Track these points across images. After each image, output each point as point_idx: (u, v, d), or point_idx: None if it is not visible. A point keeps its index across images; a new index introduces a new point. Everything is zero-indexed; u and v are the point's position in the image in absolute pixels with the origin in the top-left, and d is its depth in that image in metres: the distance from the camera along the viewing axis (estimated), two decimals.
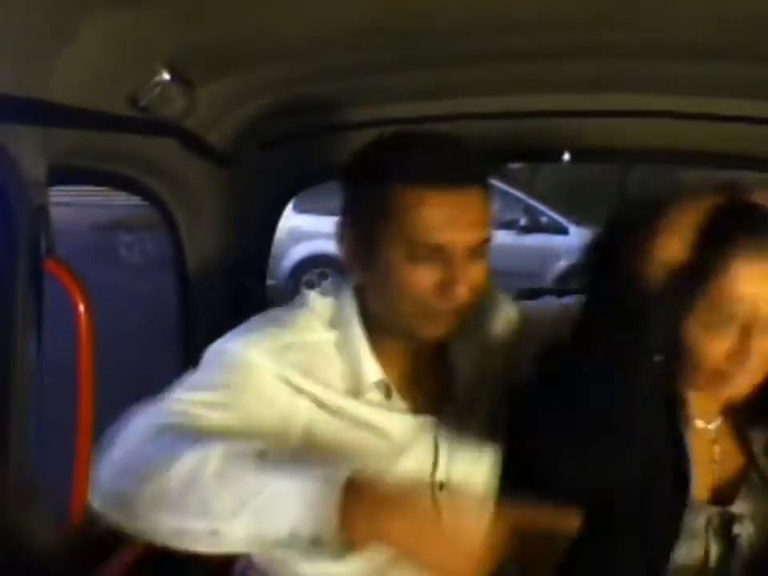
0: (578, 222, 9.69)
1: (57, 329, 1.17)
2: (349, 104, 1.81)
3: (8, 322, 1.05)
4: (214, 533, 0.96)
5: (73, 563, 1.19)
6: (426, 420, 1.29)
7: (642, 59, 1.54)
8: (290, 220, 7.77)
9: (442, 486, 1.28)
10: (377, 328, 1.27)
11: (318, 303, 1.29)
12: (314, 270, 8.62)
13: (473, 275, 1.19)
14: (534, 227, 9.18)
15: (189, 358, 2.05)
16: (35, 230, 1.06)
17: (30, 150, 1.05)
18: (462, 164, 1.19)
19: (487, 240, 1.21)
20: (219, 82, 1.47)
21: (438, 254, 1.17)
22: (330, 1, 1.18)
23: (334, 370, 1.25)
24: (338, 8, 1.19)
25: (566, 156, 2.17)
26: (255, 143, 1.97)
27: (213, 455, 0.98)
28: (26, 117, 1.02)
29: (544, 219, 9.33)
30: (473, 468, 1.32)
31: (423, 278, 1.17)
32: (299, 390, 1.21)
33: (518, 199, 8.96)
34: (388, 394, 1.27)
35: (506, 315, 1.39)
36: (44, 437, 1.10)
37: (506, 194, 9.14)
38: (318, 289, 1.33)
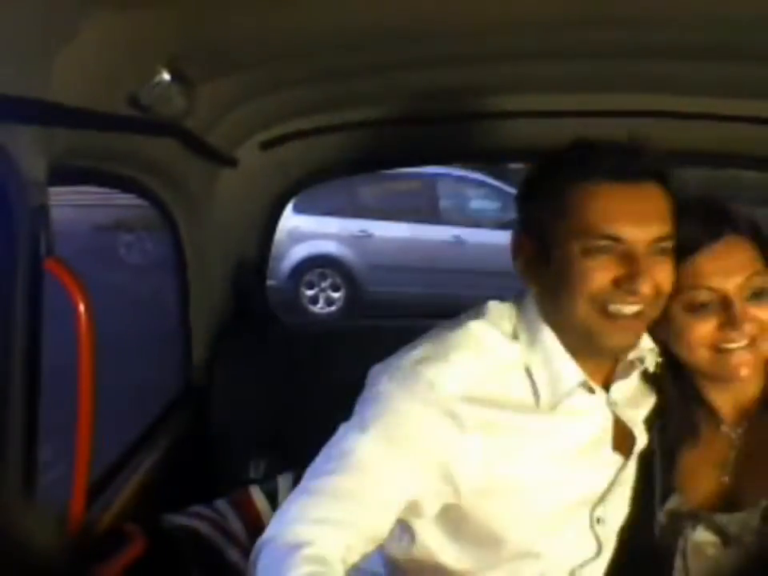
0: None
1: (57, 329, 1.17)
2: (348, 104, 1.81)
3: (8, 321, 1.05)
4: None
5: (73, 563, 1.18)
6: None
7: (642, 59, 1.53)
8: (290, 220, 7.75)
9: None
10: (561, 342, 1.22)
11: (496, 309, 1.25)
12: (314, 270, 8.62)
13: (656, 274, 1.14)
14: None
15: (189, 358, 2.06)
16: (35, 230, 1.06)
17: (30, 150, 1.05)
18: (638, 160, 1.16)
19: (668, 237, 1.16)
20: (219, 82, 1.47)
21: (615, 247, 1.13)
22: (329, 1, 1.18)
23: (523, 385, 1.21)
24: (338, 9, 1.19)
25: None
26: (255, 143, 1.97)
27: None
28: (26, 117, 1.02)
29: None
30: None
31: (600, 272, 1.13)
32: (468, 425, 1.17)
33: None
34: (591, 391, 1.23)
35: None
36: (44, 437, 1.10)
37: (506, 193, 9.12)
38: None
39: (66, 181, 1.28)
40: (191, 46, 1.24)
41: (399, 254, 8.38)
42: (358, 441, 1.14)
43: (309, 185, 2.42)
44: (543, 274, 1.19)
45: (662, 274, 1.15)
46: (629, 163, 1.15)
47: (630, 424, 1.28)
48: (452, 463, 1.17)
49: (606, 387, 1.26)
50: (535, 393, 1.21)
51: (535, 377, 1.21)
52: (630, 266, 1.12)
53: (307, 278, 8.61)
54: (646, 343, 1.27)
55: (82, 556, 1.21)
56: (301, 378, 2.05)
